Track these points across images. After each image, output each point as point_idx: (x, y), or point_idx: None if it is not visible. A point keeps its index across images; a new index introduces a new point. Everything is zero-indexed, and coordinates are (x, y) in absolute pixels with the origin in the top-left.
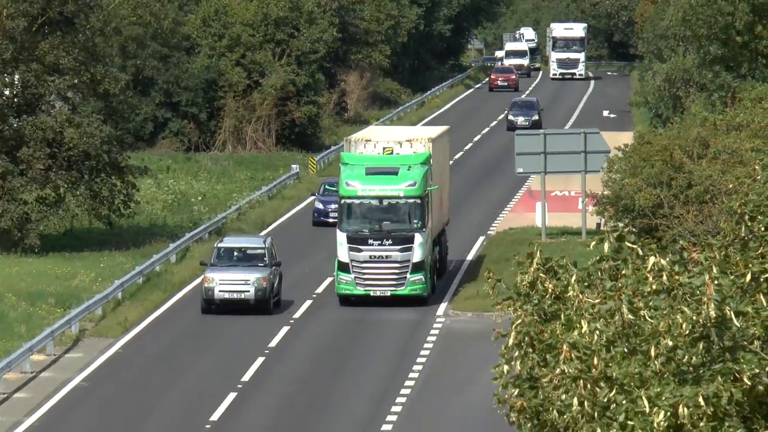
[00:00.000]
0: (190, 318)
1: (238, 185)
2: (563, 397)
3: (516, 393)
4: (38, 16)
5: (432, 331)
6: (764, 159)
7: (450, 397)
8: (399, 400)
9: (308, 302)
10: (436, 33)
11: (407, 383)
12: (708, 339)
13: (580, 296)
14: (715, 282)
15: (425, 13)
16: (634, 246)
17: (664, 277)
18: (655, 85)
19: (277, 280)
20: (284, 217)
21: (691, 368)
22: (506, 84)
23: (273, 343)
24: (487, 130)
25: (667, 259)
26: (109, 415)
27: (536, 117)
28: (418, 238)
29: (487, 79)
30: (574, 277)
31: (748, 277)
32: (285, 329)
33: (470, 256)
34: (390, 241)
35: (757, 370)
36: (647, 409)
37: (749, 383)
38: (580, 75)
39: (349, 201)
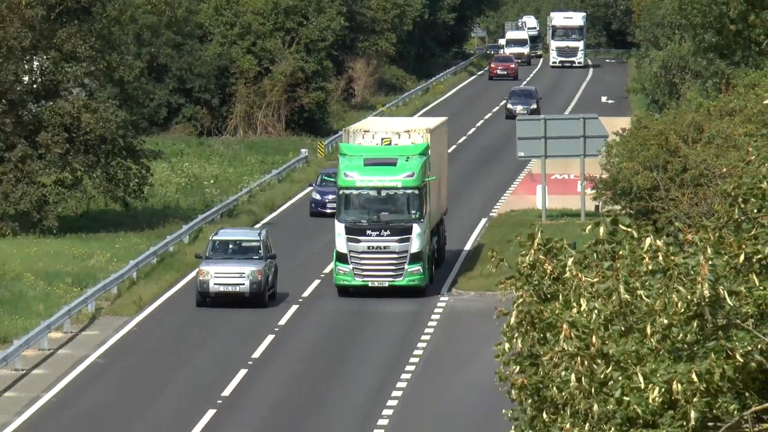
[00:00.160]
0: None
1: (249, 169)
2: (563, 374)
3: (517, 370)
4: (56, 5)
5: (436, 310)
6: (758, 142)
7: (452, 374)
8: (404, 376)
9: (316, 282)
10: (440, 21)
11: (412, 360)
12: (702, 317)
13: (579, 276)
14: (709, 262)
15: (430, 2)
16: (629, 229)
17: (660, 258)
18: (652, 72)
19: (272, 272)
20: (294, 199)
21: (685, 346)
22: (506, 73)
23: (282, 321)
24: (489, 115)
25: (663, 240)
26: (124, 390)
27: (534, 106)
28: (416, 228)
29: (487, 67)
30: (571, 260)
31: (742, 257)
32: (294, 308)
33: (473, 237)
34: (388, 232)
35: (749, 348)
36: (642, 385)
37: (742, 360)
38: (579, 63)
39: (347, 192)
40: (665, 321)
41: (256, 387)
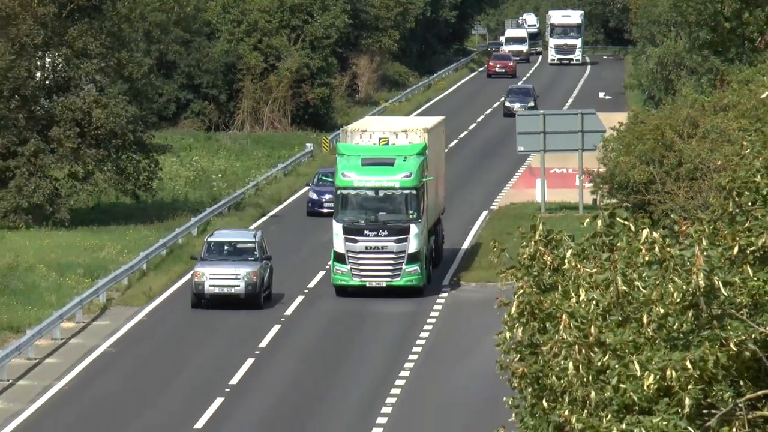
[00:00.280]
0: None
1: (256, 162)
2: (561, 363)
3: (517, 359)
4: (67, 3)
5: (435, 306)
6: (752, 137)
7: (454, 364)
8: (406, 365)
9: (322, 273)
10: (442, 19)
11: (414, 349)
12: (697, 307)
13: (578, 267)
14: (704, 253)
15: (432, 0)
16: (626, 222)
17: (656, 249)
18: (648, 69)
19: (267, 274)
20: (299, 192)
21: (681, 335)
22: (504, 71)
23: (288, 312)
24: (489, 111)
25: (660, 232)
26: (134, 379)
27: (532, 104)
28: (414, 229)
29: (485, 65)
30: (570, 252)
31: (736, 249)
32: (300, 299)
33: (474, 230)
34: (386, 232)
35: (743, 337)
36: (638, 373)
37: (735, 349)
38: (577, 60)
39: (345, 192)
40: (661, 311)
41: (263, 375)
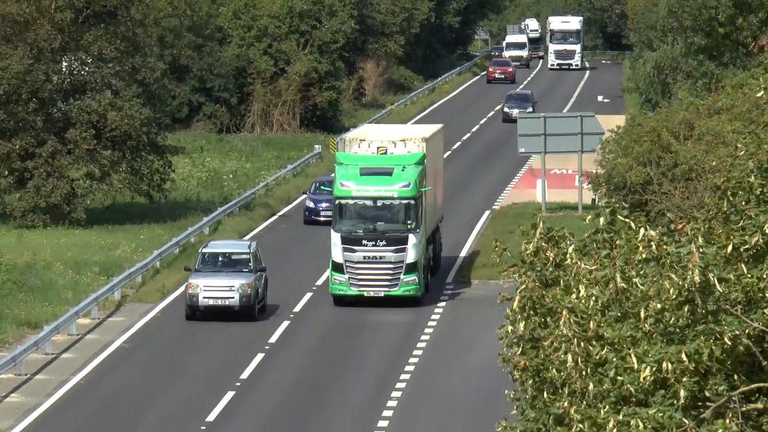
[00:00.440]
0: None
1: (266, 164)
2: (561, 356)
3: (519, 352)
4: (84, 9)
5: (436, 311)
6: (746, 138)
7: (457, 358)
8: (411, 360)
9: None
10: (446, 24)
11: (419, 344)
12: (693, 303)
13: (578, 263)
14: (700, 251)
15: (436, 6)
16: (627, 220)
17: (654, 247)
18: (646, 73)
19: (262, 285)
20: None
21: (677, 329)
22: (503, 76)
23: (297, 308)
24: (491, 113)
25: (658, 230)
26: (148, 373)
27: (530, 109)
28: (412, 239)
29: (484, 71)
30: (572, 247)
31: (730, 248)
32: (308, 295)
33: (477, 229)
34: (384, 242)
35: (737, 332)
36: (635, 366)
37: (730, 343)
38: (576, 66)
39: (343, 201)
40: (658, 306)
41: (270, 370)
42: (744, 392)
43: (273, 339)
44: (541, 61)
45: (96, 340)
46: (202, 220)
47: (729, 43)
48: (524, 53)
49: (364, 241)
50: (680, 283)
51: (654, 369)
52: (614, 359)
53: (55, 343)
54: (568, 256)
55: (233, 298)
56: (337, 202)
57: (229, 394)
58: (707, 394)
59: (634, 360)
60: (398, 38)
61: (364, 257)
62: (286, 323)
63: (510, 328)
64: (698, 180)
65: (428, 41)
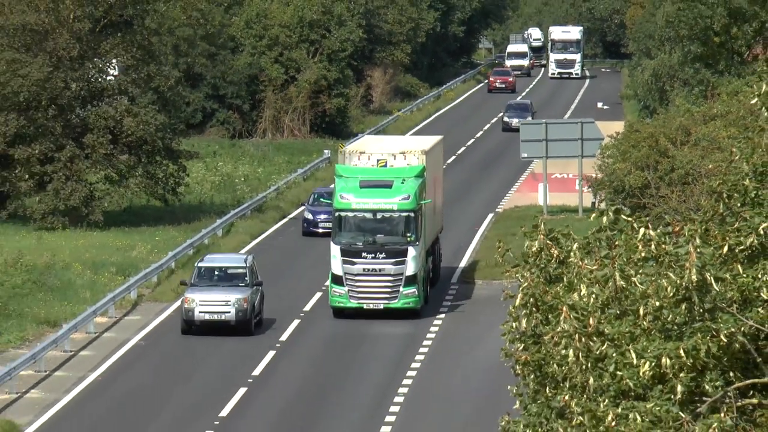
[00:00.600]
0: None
1: (277, 168)
2: (562, 351)
3: (521, 348)
4: (101, 19)
5: (444, 303)
6: (741, 143)
7: (461, 356)
8: (418, 358)
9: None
10: (450, 34)
11: (425, 342)
12: (690, 301)
13: (580, 263)
14: (698, 251)
15: (441, 16)
16: (630, 219)
17: (653, 247)
18: (644, 80)
19: (258, 299)
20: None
21: (675, 326)
22: (504, 86)
23: (307, 308)
24: (495, 120)
25: (659, 230)
26: (164, 370)
27: (530, 119)
28: (412, 251)
29: (486, 80)
30: (576, 245)
31: (726, 248)
32: (318, 295)
33: (480, 231)
34: (383, 255)
35: (733, 329)
36: (635, 361)
37: (726, 340)
38: (576, 75)
39: (343, 214)
40: (657, 304)
41: (282, 366)
42: (739, 388)
43: (284, 337)
44: (543, 69)
45: (113, 338)
46: (216, 223)
47: (724, 52)
48: (525, 62)
49: (363, 254)
50: (678, 281)
51: (652, 364)
52: (614, 355)
53: (74, 341)
54: (572, 253)
55: (229, 312)
56: (336, 214)
57: (242, 390)
58: (705, 388)
59: (634, 356)
60: (405, 47)
61: (364, 270)
62: (291, 328)
63: (513, 324)
64: (694, 184)
65: (434, 50)
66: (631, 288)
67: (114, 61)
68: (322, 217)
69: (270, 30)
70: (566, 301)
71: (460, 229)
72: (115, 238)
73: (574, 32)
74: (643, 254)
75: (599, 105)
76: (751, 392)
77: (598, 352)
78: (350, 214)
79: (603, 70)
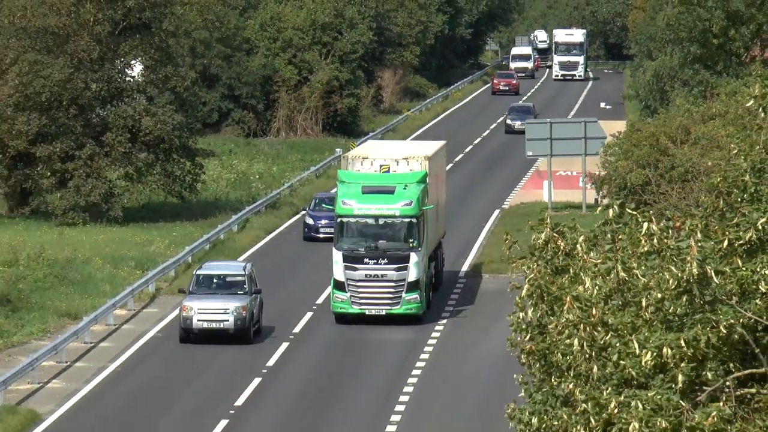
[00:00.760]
0: (261, 269)
1: (290, 166)
2: (566, 341)
3: (527, 338)
4: (120, 22)
5: (453, 294)
6: (740, 141)
7: (469, 347)
8: (427, 348)
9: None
10: (458, 36)
11: (426, 348)
12: (691, 293)
13: (585, 256)
14: (698, 245)
15: (449, 19)
16: (635, 213)
17: (655, 241)
18: (645, 81)
19: (257, 307)
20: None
21: (676, 318)
22: (507, 88)
23: (320, 301)
24: (501, 118)
25: (662, 224)
26: (181, 360)
27: None
28: (414, 257)
29: (490, 83)
30: (582, 237)
31: (725, 243)
32: (328, 290)
33: (487, 226)
34: (386, 260)
35: (732, 321)
36: (637, 351)
37: (725, 331)
38: (579, 76)
39: (345, 219)
40: (658, 295)
41: (294, 357)
42: (738, 378)
43: (296, 330)
44: (548, 70)
45: (132, 330)
46: (231, 218)
47: (722, 54)
48: (529, 65)
49: (365, 260)
50: (679, 274)
51: (654, 354)
52: (617, 344)
53: (94, 333)
54: (577, 246)
55: (228, 321)
56: (339, 220)
57: (256, 381)
58: (706, 377)
59: (636, 346)
60: (414, 49)
61: (366, 275)
62: (309, 313)
63: (520, 314)
64: (694, 181)
65: (442, 52)
66: (634, 280)
67: (134, 61)
68: (323, 222)
69: (284, 32)
70: (571, 292)
71: (468, 224)
72: (134, 234)
73: (577, 35)
74: (646, 248)
75: (602, 105)
76: (750, 382)
77: (601, 342)
78: (352, 220)
79: (606, 71)
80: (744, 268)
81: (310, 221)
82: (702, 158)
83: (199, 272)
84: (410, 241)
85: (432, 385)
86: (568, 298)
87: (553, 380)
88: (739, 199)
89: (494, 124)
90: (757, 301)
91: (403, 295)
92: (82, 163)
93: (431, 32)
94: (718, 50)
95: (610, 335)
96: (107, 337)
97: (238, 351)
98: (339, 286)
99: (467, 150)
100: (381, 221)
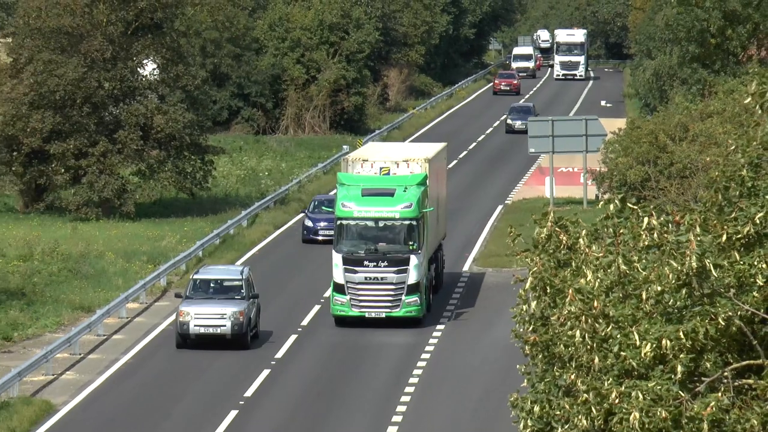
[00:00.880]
0: (260, 271)
1: (299, 162)
2: (569, 333)
3: (530, 329)
4: (132, 22)
5: (457, 289)
6: (737, 137)
7: (473, 339)
8: (432, 339)
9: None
10: (462, 36)
11: (439, 326)
12: (690, 286)
13: (587, 250)
14: (697, 239)
15: (453, 20)
16: (635, 207)
17: (655, 235)
18: (645, 80)
19: (254, 312)
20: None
21: (675, 310)
22: (509, 88)
23: (328, 293)
24: (504, 116)
25: (662, 218)
26: (191, 352)
27: None
28: (414, 259)
29: (489, 84)
30: (584, 231)
31: (724, 237)
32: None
33: (491, 221)
34: (385, 263)
35: (730, 313)
36: (637, 342)
37: (723, 323)
38: (580, 76)
39: (345, 222)
40: (658, 288)
41: (304, 348)
42: (736, 368)
43: (305, 322)
44: (549, 69)
45: (144, 322)
46: (241, 214)
47: (720, 53)
48: (530, 64)
49: (365, 262)
50: (679, 268)
51: (654, 346)
52: (618, 336)
53: (107, 326)
54: (579, 240)
55: (225, 326)
56: (338, 222)
57: (265, 372)
58: (705, 368)
59: (636, 337)
60: (419, 48)
61: (366, 278)
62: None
63: (524, 307)
64: (692, 177)
65: (446, 51)
66: (635, 273)
67: (146, 61)
68: (322, 224)
69: (292, 32)
70: (573, 284)
71: (472, 219)
72: (146, 229)
73: (578, 35)
74: (646, 242)
75: (603, 103)
76: (747, 373)
77: (602, 334)
78: (352, 223)
79: (606, 70)
80: (741, 262)
81: (309, 223)
82: (700, 155)
83: (195, 277)
84: (410, 243)
85: (436, 377)
86: (570, 291)
87: (555, 371)
88: (736, 194)
89: (497, 122)
90: (755, 293)
91: (403, 297)
92: (95, 159)
93: (436, 32)
94: (715, 49)
95: (611, 327)
96: (120, 330)
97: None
98: (339, 288)
99: (471, 147)
100: (381, 224)
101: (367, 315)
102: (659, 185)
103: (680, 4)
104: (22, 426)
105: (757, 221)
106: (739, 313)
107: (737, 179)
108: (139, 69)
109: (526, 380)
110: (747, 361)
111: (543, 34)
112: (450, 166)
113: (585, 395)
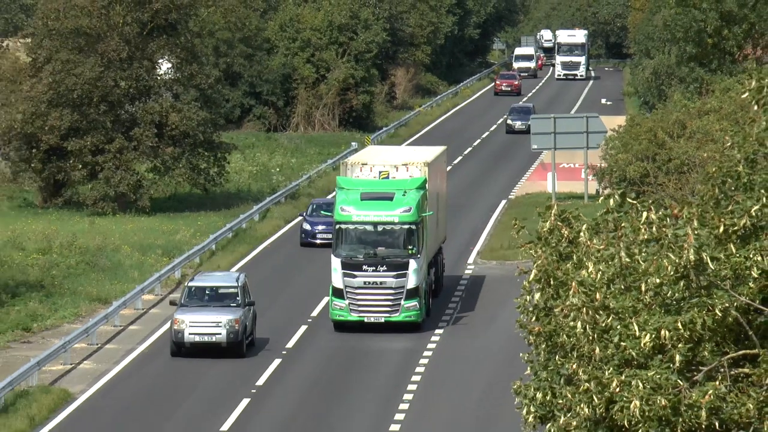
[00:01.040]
0: (272, 265)
1: (309, 159)
2: (571, 324)
3: (534, 319)
4: (148, 23)
5: (461, 282)
6: (734, 134)
7: (478, 329)
8: (437, 333)
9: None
10: (467, 36)
11: (443, 318)
12: (688, 278)
13: (588, 243)
14: (695, 232)
15: (459, 20)
16: (634, 202)
17: (654, 229)
18: (644, 78)
19: (250, 320)
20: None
21: (674, 301)
22: (510, 89)
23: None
24: (506, 114)
25: (660, 213)
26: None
27: None
28: (413, 264)
29: (492, 83)
30: (585, 226)
31: (721, 229)
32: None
33: (494, 216)
34: (384, 267)
35: (727, 305)
36: (637, 333)
37: (720, 314)
38: (581, 76)
39: (343, 226)
40: (657, 281)
41: (313, 339)
42: (732, 358)
43: (314, 313)
44: (551, 68)
45: (159, 314)
46: (253, 208)
47: (717, 52)
48: (532, 65)
49: (364, 267)
50: (677, 260)
51: (653, 336)
52: (618, 327)
53: (123, 317)
54: (581, 234)
55: (220, 334)
56: (337, 226)
57: (276, 361)
58: (703, 357)
59: (636, 328)
60: (425, 48)
61: (365, 283)
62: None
63: (528, 297)
64: (690, 173)
65: (452, 51)
66: (635, 266)
67: (161, 60)
68: (320, 227)
69: (302, 33)
70: (575, 277)
71: (476, 214)
72: (161, 223)
73: (579, 36)
74: (645, 236)
75: (603, 101)
76: (743, 362)
77: (603, 325)
78: (351, 227)
79: (606, 69)
80: (737, 255)
81: (308, 227)
82: (697, 151)
83: (191, 284)
84: (409, 247)
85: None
86: (573, 283)
87: (557, 360)
88: (733, 188)
89: (501, 119)
90: (750, 285)
91: (402, 302)
92: (112, 156)
93: (441, 32)
94: (712, 49)
95: (611, 318)
96: (136, 321)
97: (263, 328)
98: (337, 293)
99: (475, 144)
100: (380, 228)
101: (366, 320)
102: (658, 181)
103: (678, 5)
104: (41, 414)
105: (753, 214)
106: (735, 304)
107: (734, 174)
108: (154, 68)
109: (529, 368)
110: (743, 351)
111: (546, 34)
112: (455, 162)
113: (586, 384)
